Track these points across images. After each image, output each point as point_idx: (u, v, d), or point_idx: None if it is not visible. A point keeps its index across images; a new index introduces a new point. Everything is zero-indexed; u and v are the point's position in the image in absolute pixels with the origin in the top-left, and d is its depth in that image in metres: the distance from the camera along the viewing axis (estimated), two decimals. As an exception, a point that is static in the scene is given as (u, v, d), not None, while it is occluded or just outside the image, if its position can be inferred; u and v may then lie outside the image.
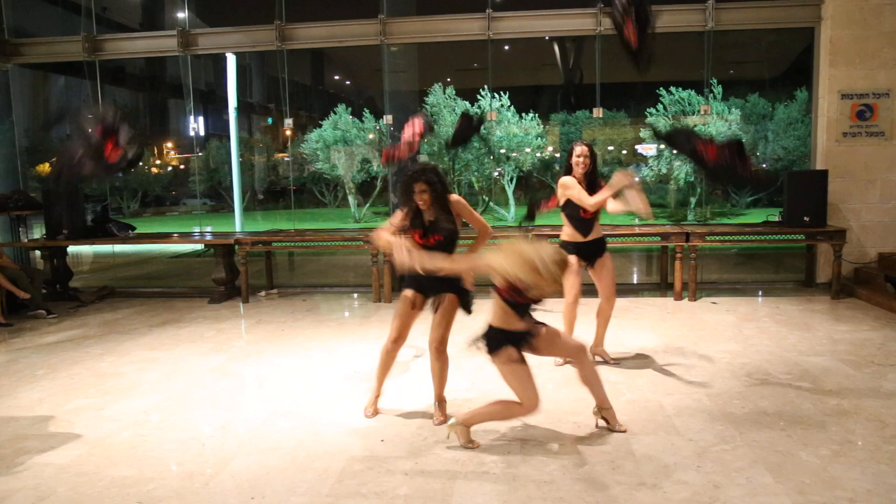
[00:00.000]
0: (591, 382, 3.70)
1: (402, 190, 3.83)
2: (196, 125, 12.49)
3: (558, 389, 4.42)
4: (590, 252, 4.83)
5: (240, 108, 10.64)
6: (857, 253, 7.65)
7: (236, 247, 7.84)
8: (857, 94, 7.56)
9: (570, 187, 4.67)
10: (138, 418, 4.14)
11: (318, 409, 4.25)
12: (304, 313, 7.11)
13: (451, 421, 3.64)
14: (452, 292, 3.87)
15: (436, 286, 3.86)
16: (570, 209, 4.73)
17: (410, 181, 3.79)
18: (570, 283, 4.71)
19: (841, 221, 7.59)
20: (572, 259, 4.67)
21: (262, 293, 8.15)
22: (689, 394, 4.34)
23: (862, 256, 7.67)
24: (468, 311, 3.91)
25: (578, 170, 4.67)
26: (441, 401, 4.04)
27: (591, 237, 4.81)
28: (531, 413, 3.43)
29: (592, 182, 4.71)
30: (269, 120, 14.86)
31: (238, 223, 10.50)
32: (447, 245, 3.86)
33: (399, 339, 3.96)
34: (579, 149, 4.68)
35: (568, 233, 4.82)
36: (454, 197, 3.89)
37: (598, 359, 4.97)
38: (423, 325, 4.15)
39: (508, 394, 3.49)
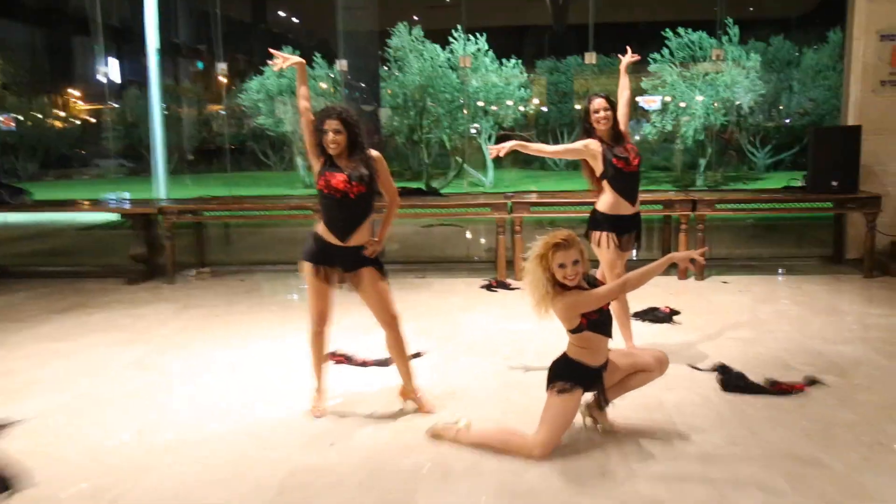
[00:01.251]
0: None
1: (314, 128, 3.85)
2: (108, 70, 12.19)
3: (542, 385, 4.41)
4: (634, 227, 4.85)
5: (163, 50, 10.40)
6: (893, 224, 7.76)
7: (160, 217, 7.74)
8: (901, 35, 7.59)
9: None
10: (33, 425, 4.06)
11: (257, 409, 4.21)
12: (243, 296, 7.04)
13: (464, 422, 3.67)
14: (370, 265, 3.95)
15: (349, 260, 3.92)
16: (613, 171, 4.66)
17: (322, 117, 3.80)
18: (617, 271, 4.71)
19: (875, 186, 7.67)
20: (609, 241, 4.70)
21: (192, 272, 8.08)
22: (694, 388, 4.36)
23: (899, 228, 7.78)
24: (386, 278, 4.04)
25: (602, 126, 4.66)
26: (413, 391, 4.13)
27: (637, 206, 4.82)
28: (534, 458, 3.47)
29: (618, 137, 4.72)
30: (200, 65, 14.59)
31: (162, 189, 10.35)
32: (368, 202, 3.90)
33: (323, 320, 4.04)
34: (596, 102, 4.68)
35: (611, 203, 4.76)
36: (374, 153, 3.94)
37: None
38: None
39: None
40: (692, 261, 3.56)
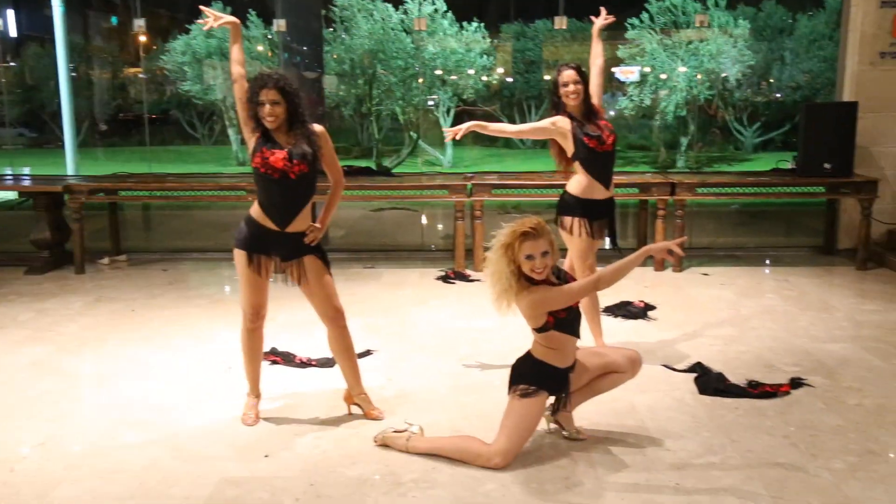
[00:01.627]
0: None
1: (248, 98, 3.82)
2: (1, 22, 11.88)
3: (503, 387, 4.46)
4: (608, 213, 4.91)
5: (69, 1, 10.19)
6: (891, 210, 7.96)
7: (67, 196, 7.61)
8: (904, 1, 7.74)
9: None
10: (-78, 433, 3.99)
11: (179, 416, 4.19)
12: (165, 288, 6.98)
13: (415, 428, 3.71)
14: (311, 254, 3.96)
15: (288, 248, 3.92)
16: (585, 151, 4.71)
17: (257, 86, 3.77)
18: (589, 262, 4.78)
19: (872, 170, 7.85)
20: (581, 228, 4.76)
21: (105, 260, 7.97)
22: (669, 391, 4.45)
23: (897, 215, 7.99)
24: (329, 269, 4.05)
25: (571, 101, 4.69)
26: (359, 394, 4.14)
27: (611, 189, 4.88)
28: (494, 468, 3.50)
29: (590, 112, 4.76)
30: (114, 20, 14.29)
31: (70, 164, 10.17)
32: (310, 183, 3.90)
33: (258, 314, 4.02)
34: (566, 74, 4.69)
35: (583, 185, 4.81)
36: (318, 127, 3.94)
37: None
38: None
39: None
40: (669, 252, 3.62)
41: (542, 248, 3.39)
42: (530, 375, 3.58)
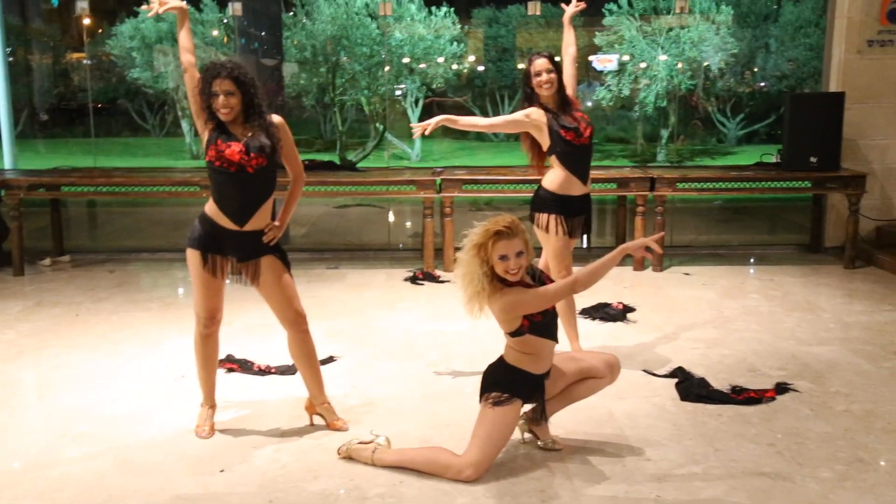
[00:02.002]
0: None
1: (200, 89, 3.80)
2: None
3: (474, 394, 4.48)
4: (585, 210, 4.93)
5: (6, -19, 10.06)
6: (880, 207, 8.06)
7: (3, 192, 7.57)
8: (891, -13, 7.82)
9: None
10: None
11: (128, 428, 4.15)
12: (112, 290, 6.93)
13: (382, 439, 3.71)
14: (270, 254, 3.95)
15: (245, 247, 3.91)
16: (561, 144, 4.73)
17: (210, 76, 3.75)
18: (566, 262, 4.81)
19: (860, 164, 7.94)
20: (558, 225, 4.78)
21: (46, 261, 7.91)
22: (649, 397, 4.48)
23: (887, 211, 8.09)
24: (289, 270, 4.05)
25: (545, 91, 4.71)
26: (322, 403, 4.12)
27: (588, 185, 4.90)
28: (467, 479, 3.51)
29: (565, 103, 4.79)
30: (55, 1, 14.11)
31: (7, 157, 10.01)
32: (269, 178, 3.89)
33: (213, 319, 4.01)
34: (538, 63, 4.71)
35: (560, 180, 4.82)
36: (276, 118, 3.93)
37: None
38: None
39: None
40: (648, 249, 3.64)
41: (516, 247, 3.39)
42: (503, 382, 3.59)
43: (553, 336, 3.64)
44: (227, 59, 3.85)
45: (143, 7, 4.09)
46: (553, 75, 4.70)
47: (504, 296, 3.45)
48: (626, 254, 3.63)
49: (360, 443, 3.74)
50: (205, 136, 3.85)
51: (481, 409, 3.61)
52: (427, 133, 4.54)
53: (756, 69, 14.75)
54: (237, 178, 3.78)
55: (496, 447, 3.58)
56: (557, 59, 4.80)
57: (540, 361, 3.61)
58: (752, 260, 8.00)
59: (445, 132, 14.99)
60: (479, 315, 3.53)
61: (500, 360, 3.66)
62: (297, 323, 4.00)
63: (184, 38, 3.93)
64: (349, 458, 3.73)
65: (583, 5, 5.13)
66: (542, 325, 3.54)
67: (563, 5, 5.17)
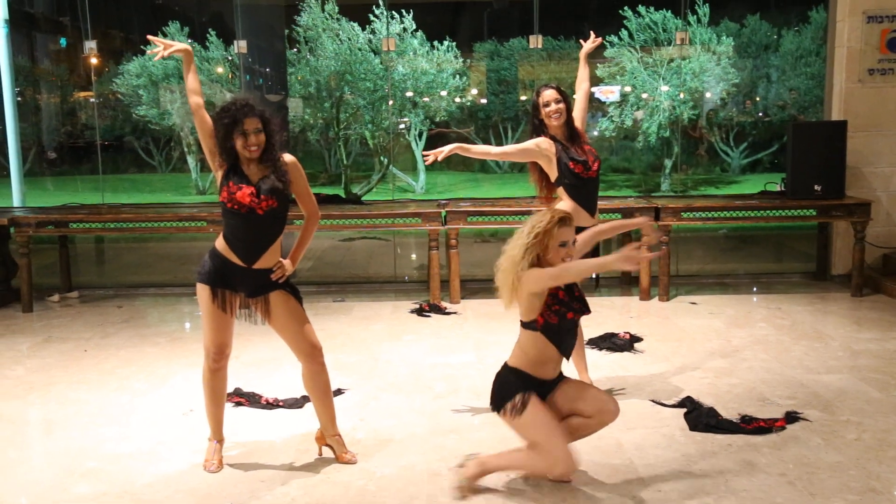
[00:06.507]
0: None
1: (222, 130, 3.79)
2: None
3: (483, 427, 4.46)
4: None
5: (13, 21, 10.15)
6: (885, 234, 8.07)
7: (12, 229, 7.59)
8: (890, 16, 7.88)
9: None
10: None
11: (136, 464, 4.14)
12: (120, 326, 6.93)
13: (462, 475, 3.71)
14: (279, 288, 3.97)
15: (254, 284, 3.92)
16: (570, 177, 4.76)
17: (240, 115, 3.74)
18: None
19: (864, 191, 7.98)
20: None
21: (55, 297, 7.94)
22: (658, 427, 4.46)
23: (893, 239, 8.09)
24: (301, 303, 4.08)
25: (554, 122, 4.76)
26: (333, 435, 4.12)
27: (596, 217, 4.92)
28: (563, 471, 3.55)
29: (573, 135, 4.83)
30: (63, 41, 14.24)
31: (16, 194, 10.05)
32: (279, 219, 3.92)
33: (222, 353, 4.01)
34: (546, 94, 4.78)
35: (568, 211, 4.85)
36: (289, 157, 3.96)
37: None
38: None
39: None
40: (649, 249, 3.67)
41: (573, 235, 3.58)
42: (512, 385, 3.61)
43: (562, 349, 3.65)
44: (245, 98, 3.87)
45: (150, 52, 4.12)
46: (562, 105, 4.75)
47: (538, 270, 3.54)
48: (628, 228, 3.76)
49: (464, 475, 3.72)
50: (218, 175, 3.87)
51: (511, 425, 3.63)
52: (440, 160, 4.57)
53: (758, 98, 14.81)
54: (247, 219, 3.80)
55: (554, 436, 3.56)
56: (564, 89, 4.84)
57: (543, 367, 3.63)
58: (756, 289, 7.98)
59: (450, 163, 15.06)
60: (513, 298, 3.59)
61: (504, 365, 3.73)
62: (312, 356, 4.01)
63: (191, 80, 3.95)
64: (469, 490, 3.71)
65: (599, 41, 5.19)
66: (554, 328, 3.56)
67: (581, 41, 5.22)
